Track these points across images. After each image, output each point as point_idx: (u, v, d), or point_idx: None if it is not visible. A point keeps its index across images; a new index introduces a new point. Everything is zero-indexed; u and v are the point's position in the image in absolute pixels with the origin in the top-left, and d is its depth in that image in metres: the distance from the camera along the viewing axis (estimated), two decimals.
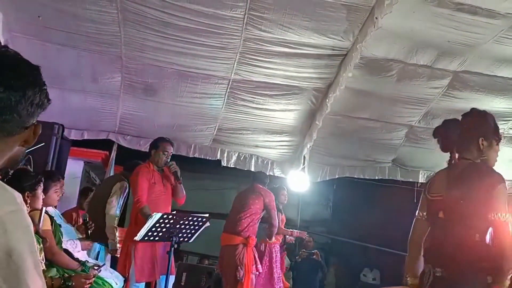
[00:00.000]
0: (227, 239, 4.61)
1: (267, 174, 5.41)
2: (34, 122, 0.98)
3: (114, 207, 4.48)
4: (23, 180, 2.74)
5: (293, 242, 6.34)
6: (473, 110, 2.38)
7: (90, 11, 3.99)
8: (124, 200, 4.66)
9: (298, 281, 7.72)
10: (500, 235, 2.07)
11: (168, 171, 4.05)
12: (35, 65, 0.99)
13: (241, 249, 4.42)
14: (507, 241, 2.06)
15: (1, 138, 0.94)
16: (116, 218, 4.48)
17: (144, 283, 3.89)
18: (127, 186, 4.63)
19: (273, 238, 5.25)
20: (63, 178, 3.75)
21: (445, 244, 2.22)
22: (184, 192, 4.16)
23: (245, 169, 6.08)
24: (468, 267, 2.10)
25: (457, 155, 2.31)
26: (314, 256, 7.68)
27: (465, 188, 2.20)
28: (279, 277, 5.21)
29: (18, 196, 0.87)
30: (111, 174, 6.52)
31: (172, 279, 3.70)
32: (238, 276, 4.33)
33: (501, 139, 2.32)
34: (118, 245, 4.40)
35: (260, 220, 4.73)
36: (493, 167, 2.32)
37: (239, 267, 4.35)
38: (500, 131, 5.77)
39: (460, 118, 2.40)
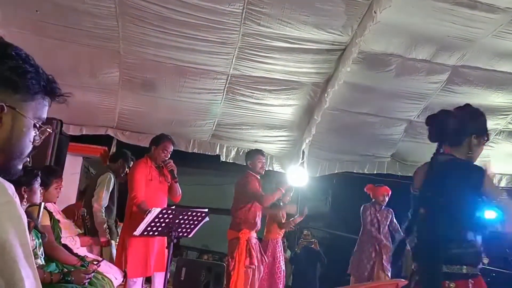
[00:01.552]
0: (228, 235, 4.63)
1: (253, 151, 4.89)
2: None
3: (99, 199, 4.45)
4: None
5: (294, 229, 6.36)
6: (469, 105, 2.38)
7: (87, 5, 3.97)
8: (111, 191, 4.61)
9: (297, 275, 7.73)
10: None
11: (165, 169, 4.04)
12: (3, 40, 0.92)
13: (234, 242, 4.42)
14: None
15: None
16: (103, 210, 4.45)
17: (142, 278, 3.89)
18: (112, 177, 4.60)
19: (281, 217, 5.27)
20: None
21: (421, 240, 2.25)
22: (180, 191, 4.14)
23: (244, 164, 6.07)
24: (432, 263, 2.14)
25: (445, 148, 2.30)
26: (313, 246, 7.67)
27: (445, 186, 2.20)
28: (281, 271, 5.22)
29: (10, 186, 0.85)
30: None
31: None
32: (229, 268, 4.36)
33: (488, 139, 2.31)
34: (116, 239, 4.39)
35: (250, 208, 4.58)
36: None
37: (229, 260, 4.37)
38: (498, 126, 5.83)
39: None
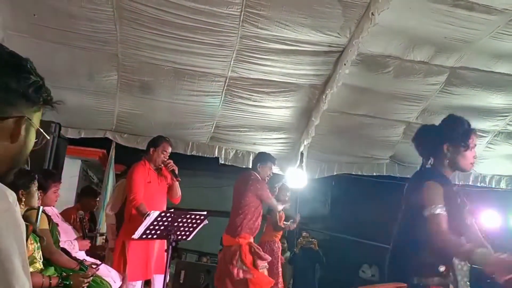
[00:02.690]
0: (224, 240, 4.48)
1: (267, 155, 4.68)
2: (16, 114, 0.92)
3: (109, 205, 4.47)
4: (16, 178, 2.72)
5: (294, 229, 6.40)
6: (449, 115, 2.41)
7: (85, 9, 3.97)
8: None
9: (297, 275, 7.72)
10: (432, 229, 2.10)
11: (166, 169, 4.03)
12: (16, 54, 0.95)
13: (234, 249, 4.23)
14: (438, 235, 2.09)
15: None
16: (112, 216, 4.46)
17: (141, 281, 3.88)
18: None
19: (281, 224, 5.17)
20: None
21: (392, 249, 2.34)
22: (180, 191, 4.13)
23: (243, 166, 6.08)
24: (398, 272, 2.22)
25: (428, 162, 2.35)
26: (312, 246, 7.65)
27: (408, 195, 2.29)
28: (279, 273, 5.23)
29: (11, 194, 0.84)
30: (111, 172, 6.51)
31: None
32: (233, 277, 4.14)
33: (469, 145, 2.27)
34: None
35: (258, 215, 4.50)
36: (468, 169, 2.36)
37: (230, 267, 4.17)
38: (497, 127, 5.81)
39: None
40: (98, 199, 5.53)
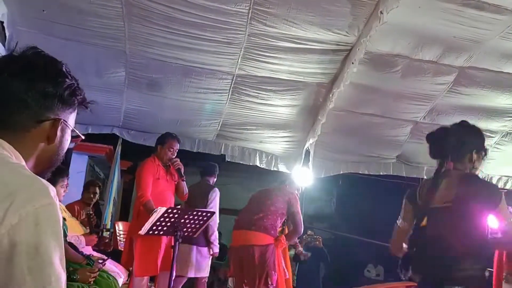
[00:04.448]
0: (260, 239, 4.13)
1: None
2: (53, 117, 0.97)
3: None
4: None
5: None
6: (465, 121, 2.44)
7: (94, 5, 3.98)
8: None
9: (301, 274, 7.71)
10: None
11: (172, 167, 4.05)
12: (53, 58, 0.99)
13: (271, 249, 4.00)
14: None
15: (19, 135, 0.93)
16: None
17: (147, 277, 3.89)
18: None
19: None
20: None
21: (432, 249, 2.22)
22: (187, 189, 4.16)
23: (250, 164, 6.09)
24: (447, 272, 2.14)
25: (451, 164, 2.32)
26: (317, 242, 7.63)
27: (462, 198, 2.20)
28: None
29: (52, 190, 0.87)
30: (116, 168, 6.54)
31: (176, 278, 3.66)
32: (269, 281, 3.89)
33: (486, 154, 2.41)
34: None
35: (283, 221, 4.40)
36: None
37: (269, 271, 3.92)
38: (505, 128, 5.78)
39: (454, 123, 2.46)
40: (97, 186, 5.46)
